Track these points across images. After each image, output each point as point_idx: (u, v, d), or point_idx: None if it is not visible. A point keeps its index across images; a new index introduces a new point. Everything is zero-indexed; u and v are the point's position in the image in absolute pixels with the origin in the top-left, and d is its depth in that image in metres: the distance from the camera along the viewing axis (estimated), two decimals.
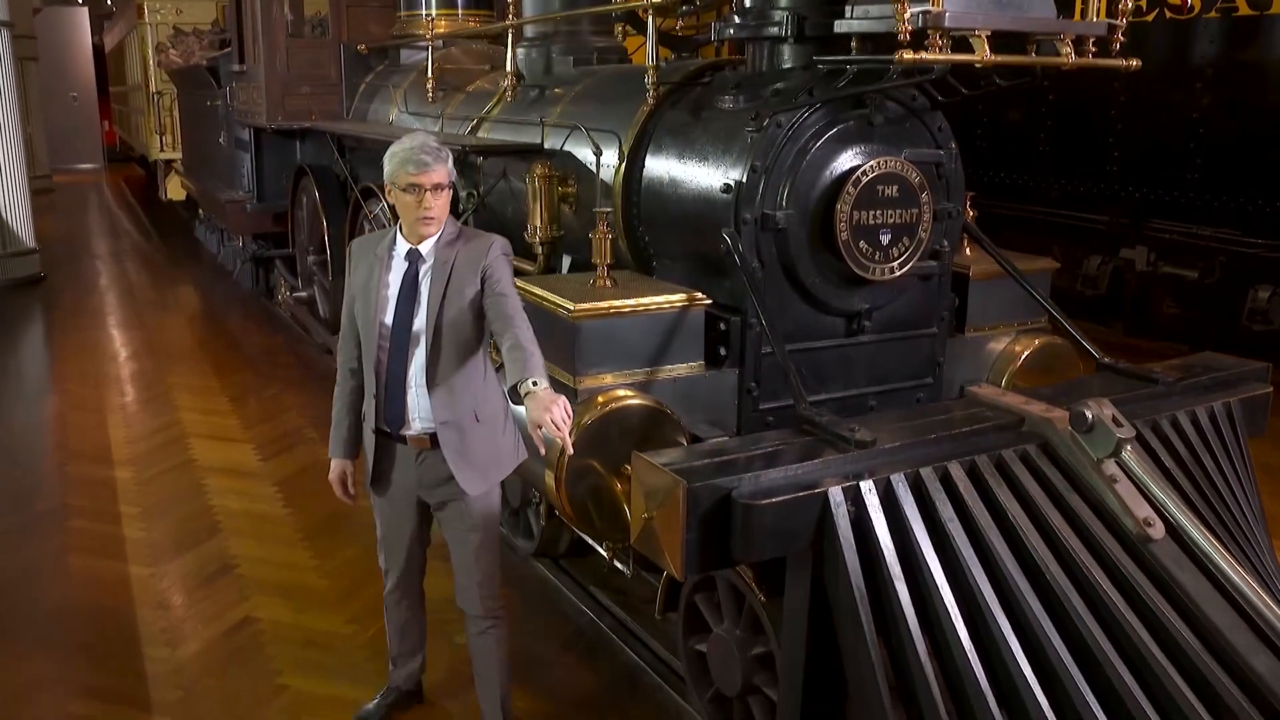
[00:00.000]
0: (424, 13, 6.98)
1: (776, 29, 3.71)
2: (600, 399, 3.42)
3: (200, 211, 13.25)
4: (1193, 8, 7.49)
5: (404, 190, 2.91)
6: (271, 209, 8.92)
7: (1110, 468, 2.92)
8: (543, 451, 3.14)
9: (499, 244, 3.04)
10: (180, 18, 13.52)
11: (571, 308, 3.43)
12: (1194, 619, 2.69)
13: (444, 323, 2.95)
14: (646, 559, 3.99)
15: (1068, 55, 3.15)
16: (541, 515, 4.47)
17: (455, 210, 4.08)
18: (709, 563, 2.69)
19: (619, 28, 5.02)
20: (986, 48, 2.99)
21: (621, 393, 3.46)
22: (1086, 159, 8.68)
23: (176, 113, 13.56)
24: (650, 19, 4.05)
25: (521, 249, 4.32)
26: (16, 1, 15.59)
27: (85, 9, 26.59)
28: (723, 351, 3.71)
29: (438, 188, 2.91)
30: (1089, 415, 2.91)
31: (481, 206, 5.47)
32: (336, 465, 3.28)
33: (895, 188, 3.66)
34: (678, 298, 3.60)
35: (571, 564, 4.61)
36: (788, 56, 3.81)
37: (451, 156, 2.98)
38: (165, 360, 8.25)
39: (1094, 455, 2.92)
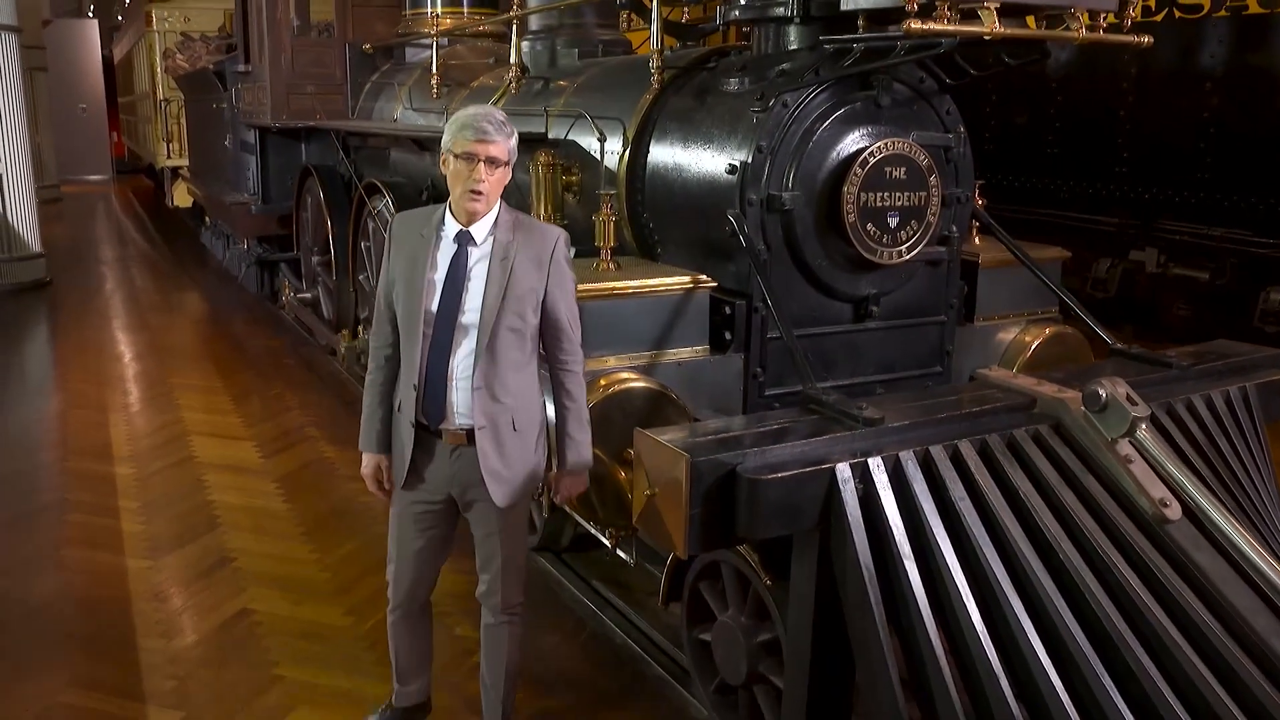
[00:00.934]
0: (429, 10, 6.95)
1: (782, 9, 3.67)
2: (602, 382, 3.36)
3: (206, 218, 13.26)
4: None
5: (458, 157, 2.71)
6: (277, 211, 8.90)
7: (1125, 448, 2.84)
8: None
9: (563, 241, 2.86)
10: (188, 25, 13.55)
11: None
12: (1213, 601, 2.60)
13: (500, 321, 2.75)
14: (649, 550, 3.95)
15: (1078, 30, 3.08)
16: (544, 507, 4.39)
17: None
18: (713, 540, 2.62)
19: (623, 16, 4.97)
20: (995, 19, 2.93)
21: (624, 376, 3.40)
22: (1095, 160, 8.61)
23: (183, 119, 13.58)
24: (655, 3, 4.00)
25: None
26: (26, 12, 15.70)
27: (95, 21, 26.78)
28: (728, 336, 3.65)
29: (493, 162, 2.70)
30: (1102, 394, 2.84)
31: None
32: (370, 460, 3.02)
33: (903, 170, 3.60)
34: (682, 280, 3.55)
35: (574, 558, 4.53)
36: (794, 38, 3.76)
37: (517, 135, 2.79)
38: (168, 361, 8.21)
39: (1108, 435, 2.85)
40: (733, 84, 3.80)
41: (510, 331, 2.77)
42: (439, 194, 5.41)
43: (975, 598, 2.55)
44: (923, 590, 2.54)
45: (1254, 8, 7.21)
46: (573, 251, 4.48)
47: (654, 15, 4.09)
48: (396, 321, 2.89)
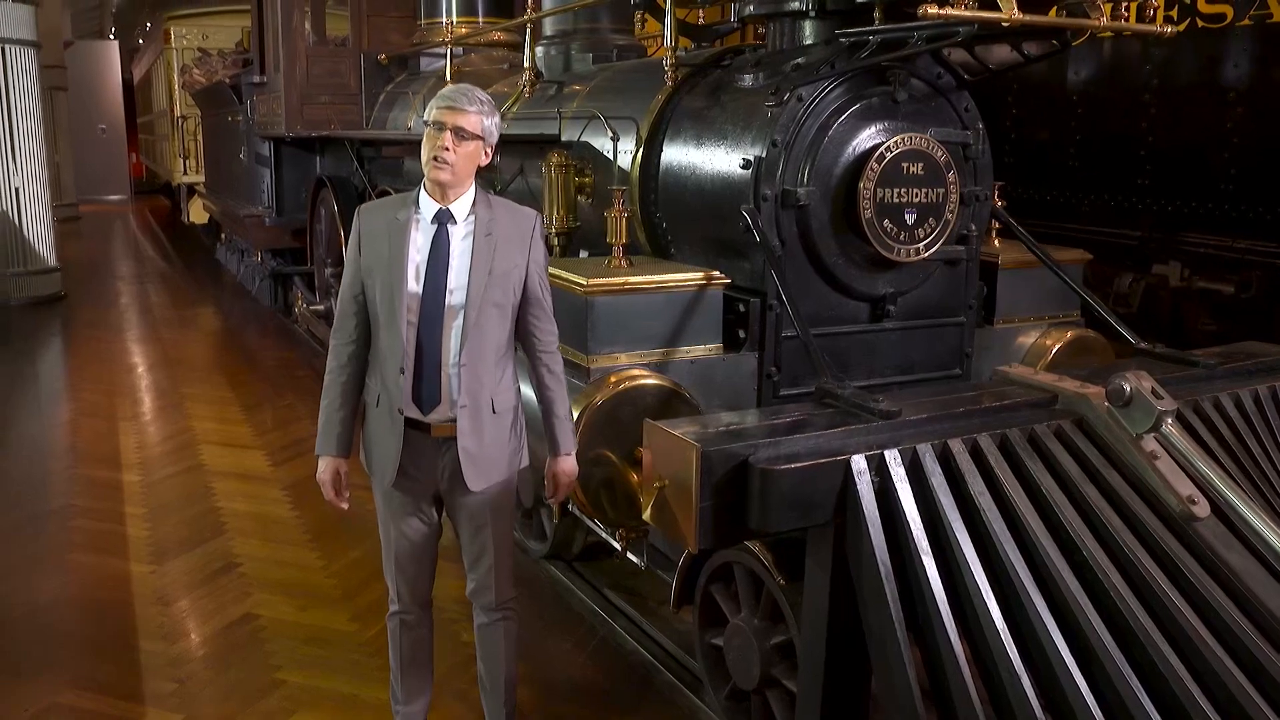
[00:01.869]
0: (444, 19, 6.97)
1: (797, 4, 3.64)
2: (613, 379, 3.31)
3: (222, 235, 13.34)
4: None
5: (429, 128, 2.69)
6: (291, 224, 8.92)
7: (1150, 444, 2.76)
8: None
9: (540, 221, 2.86)
10: (206, 42, 13.68)
11: (584, 283, 3.34)
12: (1244, 600, 2.51)
13: (486, 297, 2.71)
14: (660, 555, 3.89)
15: (1099, 19, 3.04)
16: (554, 514, 4.34)
17: None
18: (724, 534, 2.55)
19: (638, 17, 4.96)
20: (1014, 6, 2.88)
21: (635, 372, 3.35)
22: (1116, 173, 8.52)
23: (200, 136, 13.68)
24: (669, 1, 3.97)
25: None
26: (47, 33, 15.91)
27: (115, 43, 27.13)
28: (741, 334, 3.59)
29: (460, 133, 2.65)
30: (1127, 388, 2.76)
31: None
32: (329, 464, 2.90)
33: (920, 165, 3.55)
34: (695, 276, 3.50)
35: (585, 567, 4.48)
36: (809, 33, 3.73)
37: (498, 118, 2.76)
38: (180, 372, 8.21)
39: (1132, 430, 2.77)
40: (747, 80, 3.77)
41: (494, 308, 2.74)
42: None
43: (996, 595, 2.47)
44: (941, 587, 2.47)
45: (1279, 16, 7.14)
46: (584, 253, 4.49)
47: (668, 13, 4.06)
48: (364, 316, 2.82)
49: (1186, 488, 2.69)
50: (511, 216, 2.81)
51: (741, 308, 3.58)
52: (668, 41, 4.07)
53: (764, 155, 3.46)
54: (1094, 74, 8.61)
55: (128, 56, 26.62)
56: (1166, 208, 8.16)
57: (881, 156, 3.46)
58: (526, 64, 5.34)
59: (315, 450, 2.91)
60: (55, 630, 3.94)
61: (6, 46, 10.26)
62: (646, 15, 4.68)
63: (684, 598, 3.38)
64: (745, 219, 3.45)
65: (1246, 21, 7.34)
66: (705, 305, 3.51)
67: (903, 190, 3.54)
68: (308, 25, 7.93)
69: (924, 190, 3.57)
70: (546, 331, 2.89)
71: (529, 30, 5.31)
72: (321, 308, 8.29)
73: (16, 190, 10.59)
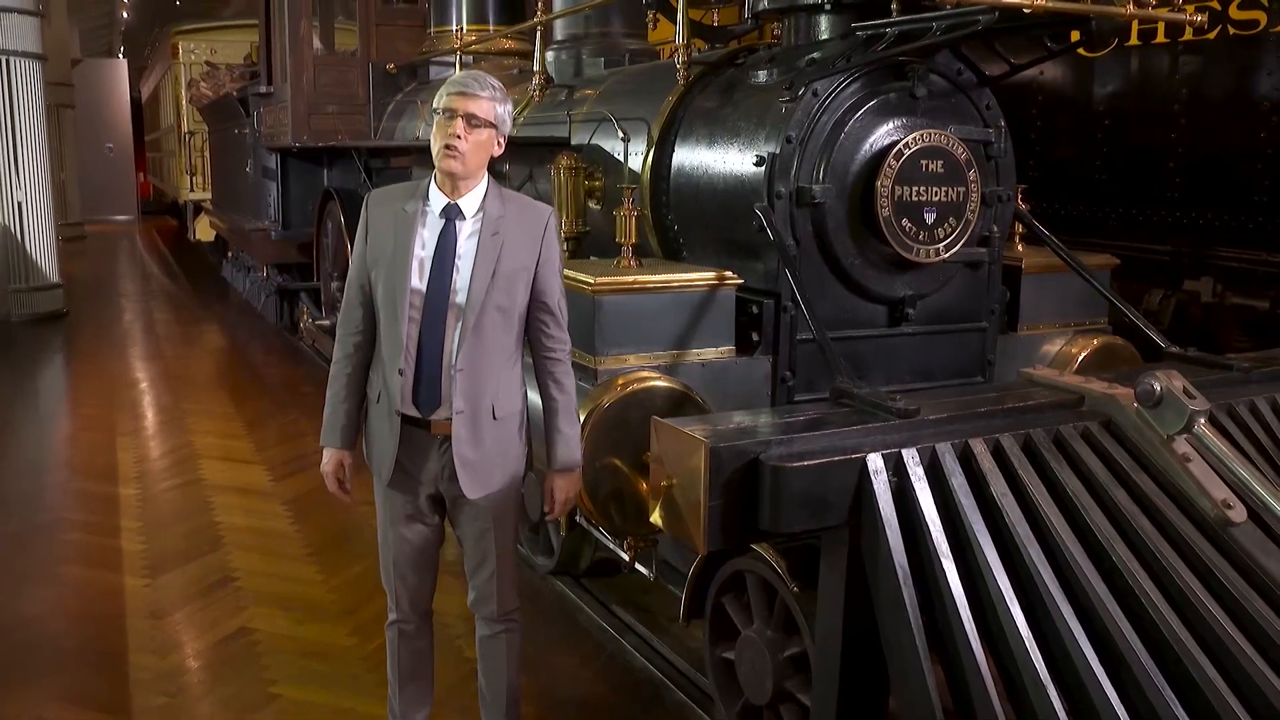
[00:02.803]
0: (453, 28, 7.00)
1: None
2: (621, 381, 3.27)
3: (229, 253, 13.40)
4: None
5: (440, 116, 2.63)
6: (297, 238, 8.94)
7: (1182, 446, 2.70)
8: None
9: (554, 219, 2.80)
10: (214, 56, 13.81)
11: (592, 282, 3.30)
12: None
13: (488, 299, 2.66)
14: (670, 569, 3.83)
15: (1126, 6, 3.00)
16: (561, 527, 4.29)
17: None
18: (734, 535, 2.51)
19: (649, 16, 4.96)
20: None
21: (644, 374, 3.31)
22: (1145, 186, 8.46)
23: (207, 152, 13.79)
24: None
25: None
26: (54, 49, 16.11)
27: (124, 62, 27.45)
28: (755, 337, 3.55)
29: (472, 119, 2.60)
30: (1157, 387, 2.71)
31: None
32: (332, 455, 2.87)
33: (940, 163, 3.51)
34: (706, 275, 3.47)
35: (593, 583, 4.42)
36: (825, 27, 3.71)
37: (510, 105, 2.72)
38: (182, 388, 8.22)
39: (1163, 432, 2.71)
40: (761, 76, 3.75)
41: (498, 311, 2.68)
42: None
43: (1020, 601, 2.41)
44: (962, 591, 2.41)
45: None
46: (593, 259, 4.46)
47: (680, 12, 4.05)
48: (369, 307, 2.78)
49: (1221, 491, 2.63)
50: (522, 214, 2.75)
51: (754, 309, 3.54)
52: (679, 40, 4.06)
53: (778, 152, 3.43)
54: (1121, 85, 8.57)
55: (137, 75, 26.92)
56: (1198, 221, 8.09)
57: (900, 153, 3.43)
58: (536, 68, 5.35)
59: (320, 442, 2.88)
60: (44, 643, 3.91)
61: (10, 59, 10.37)
62: (658, 16, 4.67)
63: (694, 610, 3.32)
64: (759, 217, 3.42)
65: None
66: (717, 306, 3.47)
67: (922, 188, 3.50)
68: (315, 34, 7.99)
69: (944, 189, 3.54)
70: (557, 340, 2.81)
71: (539, 34, 5.32)
72: (327, 323, 8.29)
73: (19, 205, 10.67)
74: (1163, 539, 2.55)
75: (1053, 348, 4.14)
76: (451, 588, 3.83)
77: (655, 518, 2.66)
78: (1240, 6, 7.30)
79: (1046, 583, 2.42)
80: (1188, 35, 7.50)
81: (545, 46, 5.42)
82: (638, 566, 3.77)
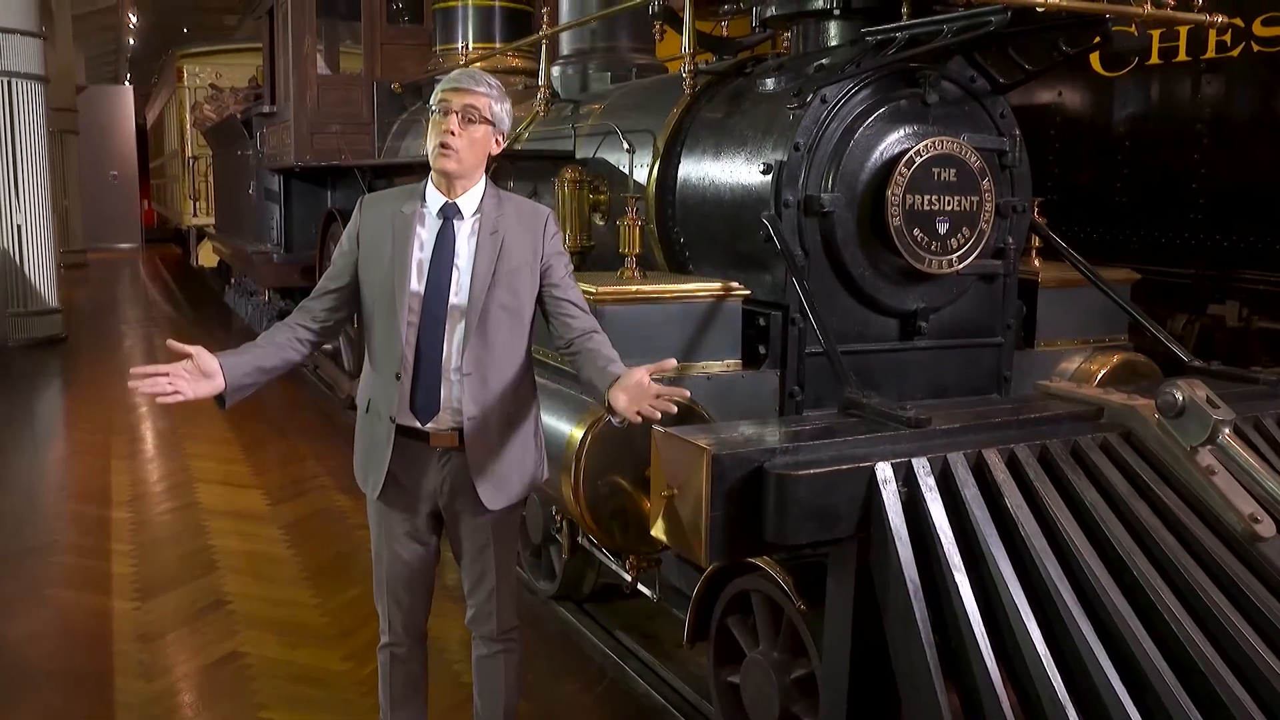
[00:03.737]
0: (459, 45, 7.03)
1: (821, 2, 3.61)
2: None
3: (231, 279, 13.45)
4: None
5: (435, 113, 2.60)
6: (300, 261, 8.94)
7: (1206, 458, 2.65)
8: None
9: (553, 217, 2.77)
10: (219, 80, 13.93)
11: (594, 291, 3.28)
12: None
13: (491, 300, 2.62)
14: (674, 591, 3.78)
15: (1143, 7, 2.98)
16: (564, 548, 4.24)
17: None
18: (737, 546, 2.46)
19: (656, 27, 4.97)
20: None
21: None
22: (1168, 208, 8.42)
23: (211, 177, 13.87)
24: (688, 3, 3.96)
25: None
26: (59, 75, 16.30)
27: (129, 88, 27.77)
28: (762, 350, 3.52)
29: (468, 114, 2.57)
30: (1179, 397, 2.66)
31: None
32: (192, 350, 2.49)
33: (953, 171, 3.49)
34: (712, 286, 3.44)
35: (596, 609, 4.37)
36: (834, 33, 3.70)
37: (509, 104, 2.69)
38: (180, 413, 8.17)
39: (1186, 443, 2.66)
40: (769, 84, 3.74)
41: (503, 310, 2.65)
42: None
43: (1036, 616, 2.35)
44: (976, 607, 2.35)
45: None
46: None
47: (686, 19, 4.05)
48: (337, 306, 2.74)
49: (1249, 505, 2.57)
50: (521, 213, 2.74)
51: (762, 321, 3.51)
52: (686, 49, 4.06)
53: (785, 160, 3.41)
54: (1142, 105, 8.55)
55: (142, 102, 27.21)
56: (1222, 243, 8.03)
57: (911, 161, 3.40)
58: (541, 82, 5.35)
59: None
60: (27, 666, 3.87)
61: (12, 80, 10.47)
62: (665, 27, 4.67)
63: (698, 632, 3.26)
64: (766, 227, 3.39)
65: None
66: (723, 318, 3.44)
67: (934, 197, 3.47)
68: (320, 56, 8.04)
69: (956, 198, 3.51)
70: (584, 320, 2.73)
71: (544, 49, 5.34)
72: (329, 347, 8.29)
73: (18, 228, 10.73)
74: (1187, 554, 2.49)
75: (1071, 364, 4.09)
76: (452, 615, 3.79)
77: (656, 530, 2.61)
78: (1265, 23, 7.27)
79: (1065, 598, 2.36)
80: (1210, 53, 7.48)
81: (551, 62, 5.43)
82: (640, 587, 3.72)
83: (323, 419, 7.89)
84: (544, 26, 5.36)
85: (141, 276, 19.91)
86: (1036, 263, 4.18)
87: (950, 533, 2.42)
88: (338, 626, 4.21)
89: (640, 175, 4.15)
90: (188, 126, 14.01)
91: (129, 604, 4.43)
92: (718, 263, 3.85)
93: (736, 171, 3.67)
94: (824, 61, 3.57)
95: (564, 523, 4.12)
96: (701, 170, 3.88)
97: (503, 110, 2.67)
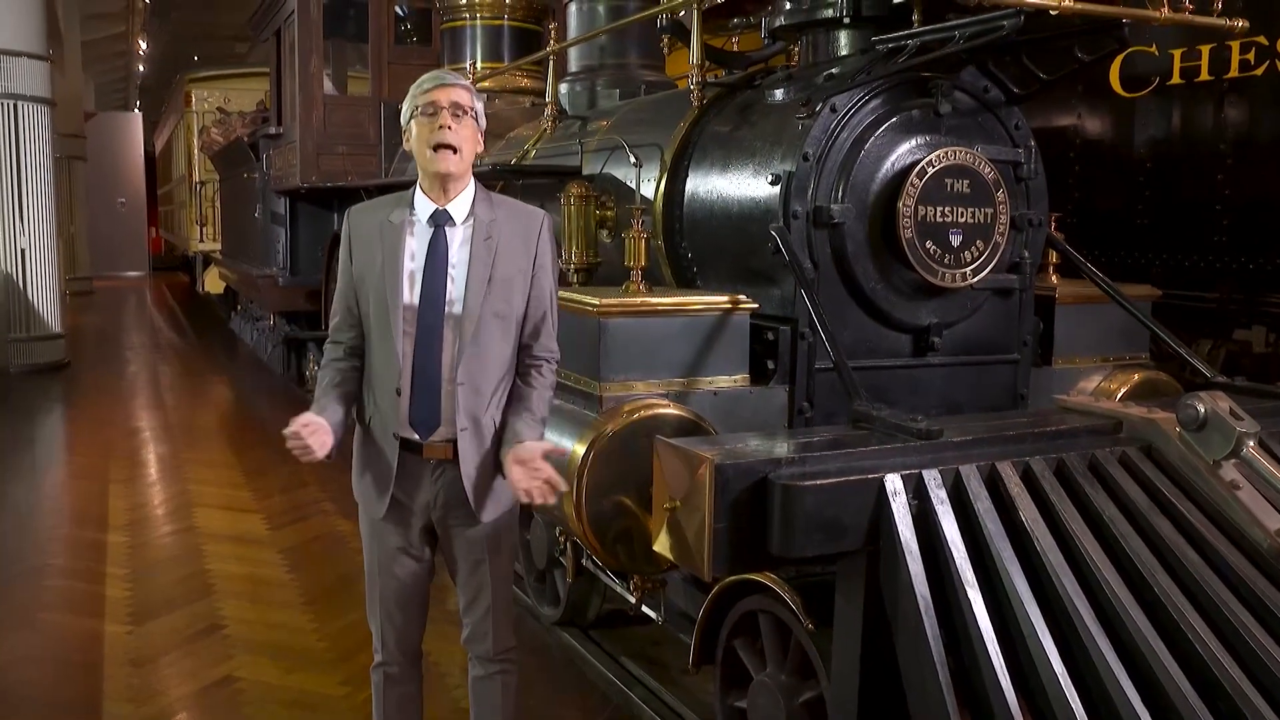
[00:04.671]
0: (467, 64, 7.06)
1: (831, 10, 3.61)
2: (627, 408, 3.20)
3: (238, 305, 13.51)
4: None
5: (419, 115, 2.57)
6: (305, 284, 8.98)
7: (1230, 472, 2.60)
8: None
9: (548, 222, 2.75)
10: (229, 105, 14.06)
11: (597, 303, 3.25)
12: None
13: (485, 307, 2.60)
14: (679, 615, 3.73)
15: (1160, 10, 2.96)
16: (568, 572, 4.19)
17: None
18: (741, 560, 2.42)
19: (664, 40, 4.97)
20: None
21: (653, 402, 3.24)
22: (1191, 231, 8.37)
23: (218, 202, 13.98)
24: (695, 13, 3.96)
25: None
26: (68, 101, 16.47)
27: (139, 115, 28.07)
28: (770, 365, 3.48)
29: (458, 108, 2.55)
30: (1201, 409, 2.62)
31: None
32: (308, 417, 2.61)
33: (966, 182, 3.46)
34: (719, 299, 3.41)
35: (602, 635, 4.32)
36: (844, 43, 3.69)
37: (482, 100, 2.69)
38: (182, 438, 8.22)
39: (1209, 457, 2.61)
40: (778, 95, 3.73)
41: (495, 319, 2.63)
42: None
43: (1053, 635, 2.30)
44: (989, 625, 2.30)
45: None
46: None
47: (694, 32, 4.05)
48: (360, 328, 2.73)
49: (1275, 521, 2.52)
50: (515, 216, 2.72)
51: (770, 336, 3.48)
52: (693, 60, 4.05)
53: (794, 170, 3.39)
54: (1164, 126, 8.53)
55: (152, 129, 27.50)
56: (1248, 266, 7.97)
57: (923, 171, 3.38)
58: (548, 99, 5.36)
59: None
60: (14, 691, 3.85)
61: (18, 103, 10.57)
62: (673, 41, 4.67)
63: (704, 655, 3.21)
64: (774, 239, 3.37)
65: None
66: (730, 331, 3.41)
67: (946, 209, 3.44)
68: (327, 77, 8.10)
69: (970, 210, 3.48)
70: (544, 347, 2.74)
71: (551, 65, 5.35)
72: None
73: (22, 252, 10.81)
74: (1211, 571, 2.44)
75: (1090, 383, 4.03)
76: (452, 635, 3.73)
77: (658, 544, 2.58)
78: None
79: (1083, 615, 2.31)
80: (1233, 72, 7.46)
81: (559, 79, 5.44)
82: (645, 609, 3.67)
83: None
84: (550, 41, 5.38)
85: (148, 304, 20.03)
86: (1054, 279, 4.14)
87: (963, 547, 2.37)
88: (335, 651, 4.17)
89: (647, 190, 4.14)
90: (195, 151, 14.15)
91: (121, 628, 4.40)
92: (726, 278, 3.82)
93: (744, 184, 3.65)
94: (833, 71, 3.56)
95: (568, 545, 4.08)
96: (709, 184, 3.87)
97: (480, 106, 2.67)
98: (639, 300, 3.33)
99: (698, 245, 3.96)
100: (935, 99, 3.50)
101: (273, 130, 8.70)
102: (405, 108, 2.67)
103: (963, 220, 3.47)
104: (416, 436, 2.67)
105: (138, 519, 5.96)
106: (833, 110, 3.41)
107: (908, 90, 3.50)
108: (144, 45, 25.28)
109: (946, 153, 3.41)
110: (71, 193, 19.17)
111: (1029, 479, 2.54)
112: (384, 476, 2.70)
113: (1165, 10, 2.95)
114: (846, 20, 3.60)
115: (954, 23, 3.12)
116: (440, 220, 2.65)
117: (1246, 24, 3.13)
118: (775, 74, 4.07)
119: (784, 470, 2.38)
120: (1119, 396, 3.96)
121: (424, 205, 2.67)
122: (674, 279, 4.09)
